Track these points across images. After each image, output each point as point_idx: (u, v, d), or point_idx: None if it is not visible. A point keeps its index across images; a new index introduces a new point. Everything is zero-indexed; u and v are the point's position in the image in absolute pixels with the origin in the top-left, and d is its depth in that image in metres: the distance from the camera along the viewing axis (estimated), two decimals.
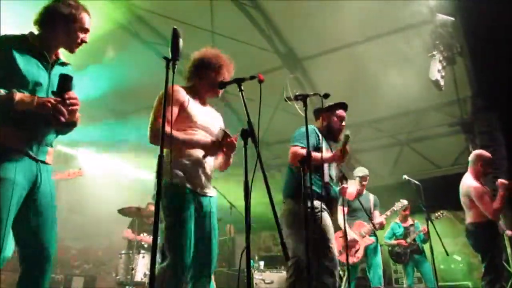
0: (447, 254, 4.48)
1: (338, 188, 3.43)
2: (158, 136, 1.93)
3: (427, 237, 5.13)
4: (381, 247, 5.63)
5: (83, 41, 2.20)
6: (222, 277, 6.47)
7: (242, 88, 2.16)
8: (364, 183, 5.36)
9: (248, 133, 2.02)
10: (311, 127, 3.18)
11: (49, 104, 1.91)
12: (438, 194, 6.35)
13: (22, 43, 2.05)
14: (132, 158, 8.38)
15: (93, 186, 7.52)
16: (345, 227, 3.93)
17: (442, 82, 5.41)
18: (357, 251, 5.13)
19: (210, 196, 2.51)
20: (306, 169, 2.50)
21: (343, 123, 3.38)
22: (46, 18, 2.12)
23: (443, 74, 5.44)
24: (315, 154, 3.02)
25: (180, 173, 2.34)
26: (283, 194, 3.29)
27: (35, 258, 1.97)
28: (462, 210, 4.36)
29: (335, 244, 3.10)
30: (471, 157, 4.39)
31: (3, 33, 2.10)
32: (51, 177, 2.11)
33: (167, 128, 2.11)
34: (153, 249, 1.67)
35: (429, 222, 4.49)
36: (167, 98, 2.22)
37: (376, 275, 5.12)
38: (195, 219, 2.34)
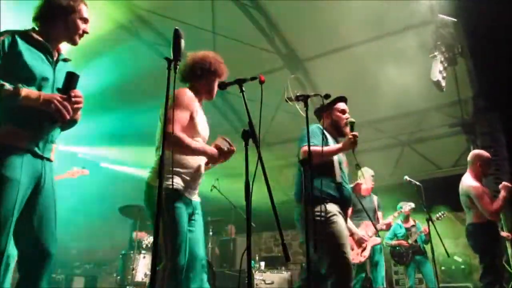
0: (448, 255, 4.46)
1: (352, 185, 3.31)
2: (175, 143, 2.10)
3: (428, 238, 5.13)
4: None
5: (84, 32, 2.19)
6: (223, 277, 6.46)
7: (244, 88, 2.17)
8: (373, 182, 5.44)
9: (249, 134, 2.02)
10: (315, 125, 3.09)
11: (55, 101, 1.91)
12: (439, 195, 6.34)
13: (27, 37, 2.04)
14: (134, 158, 8.38)
15: (94, 186, 7.52)
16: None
17: (443, 83, 5.40)
18: (363, 250, 5.14)
19: (198, 201, 2.58)
20: (308, 169, 2.49)
21: (347, 115, 3.21)
22: (45, 12, 2.11)
23: (444, 75, 5.44)
24: (326, 148, 2.91)
25: (179, 177, 2.38)
26: (294, 197, 3.14)
27: (35, 257, 1.96)
28: (463, 211, 4.35)
29: (350, 251, 2.92)
30: (469, 158, 4.37)
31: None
32: (53, 175, 2.11)
33: (180, 133, 2.24)
34: (154, 249, 1.67)
35: (430, 223, 4.48)
36: (181, 103, 2.34)
37: (379, 275, 5.14)
38: (188, 221, 2.42)
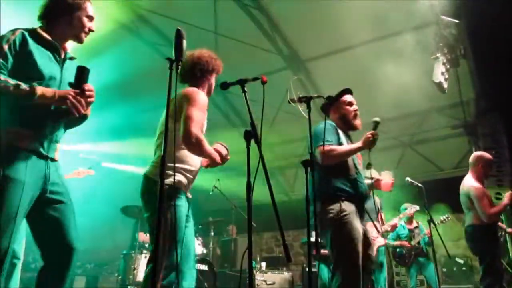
0: (449, 257, 4.45)
1: (371, 181, 3.27)
2: (195, 144, 2.23)
3: (431, 240, 5.13)
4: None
5: (90, 30, 2.18)
6: (224, 277, 6.47)
7: (246, 89, 2.17)
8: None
9: (251, 134, 2.02)
10: (328, 123, 3.01)
11: (70, 97, 1.92)
12: (440, 197, 6.33)
13: (36, 36, 2.03)
14: (135, 158, 8.39)
15: (96, 186, 7.52)
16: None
17: (445, 85, 5.39)
18: None
19: (191, 198, 2.62)
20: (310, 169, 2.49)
21: (354, 107, 3.17)
22: (51, 10, 2.10)
23: (447, 76, 5.42)
24: (346, 148, 2.90)
25: (179, 177, 2.39)
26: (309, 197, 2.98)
27: (59, 253, 1.97)
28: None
29: (360, 252, 2.75)
30: (471, 159, 4.36)
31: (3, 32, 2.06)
32: (60, 172, 2.11)
33: (201, 135, 2.32)
34: (154, 249, 1.67)
35: (431, 224, 4.48)
36: (200, 104, 2.39)
37: (382, 276, 5.14)
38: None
